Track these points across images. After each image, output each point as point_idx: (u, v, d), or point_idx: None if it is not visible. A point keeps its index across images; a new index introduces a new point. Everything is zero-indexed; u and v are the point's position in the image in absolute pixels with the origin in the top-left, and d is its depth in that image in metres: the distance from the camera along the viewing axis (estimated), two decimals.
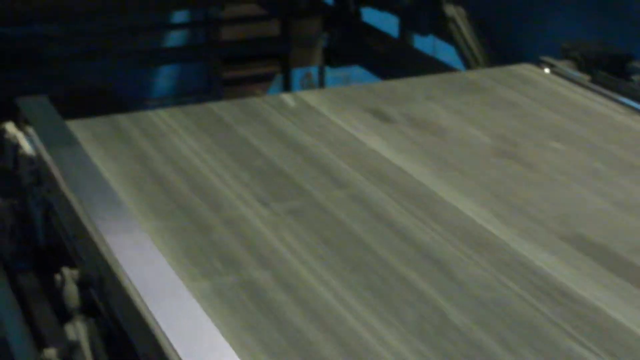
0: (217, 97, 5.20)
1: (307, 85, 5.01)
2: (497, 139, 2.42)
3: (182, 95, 5.26)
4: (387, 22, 4.10)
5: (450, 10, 3.50)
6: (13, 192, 2.58)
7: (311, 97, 2.68)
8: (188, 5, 4.45)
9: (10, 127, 2.46)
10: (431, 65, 3.68)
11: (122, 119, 2.55)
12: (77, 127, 2.46)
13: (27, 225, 2.43)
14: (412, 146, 2.37)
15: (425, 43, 4.16)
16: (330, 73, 4.83)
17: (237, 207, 2.07)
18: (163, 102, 5.15)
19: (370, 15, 4.14)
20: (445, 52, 3.88)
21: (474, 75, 2.93)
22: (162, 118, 2.56)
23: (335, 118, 2.53)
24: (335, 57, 4.32)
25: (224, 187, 2.16)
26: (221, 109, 2.62)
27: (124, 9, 3.77)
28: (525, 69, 2.90)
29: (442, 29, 3.60)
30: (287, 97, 2.70)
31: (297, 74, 4.88)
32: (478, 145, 2.38)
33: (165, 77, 5.19)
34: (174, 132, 2.46)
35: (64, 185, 2.13)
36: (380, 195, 2.12)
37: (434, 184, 2.17)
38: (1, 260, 2.48)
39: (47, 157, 2.27)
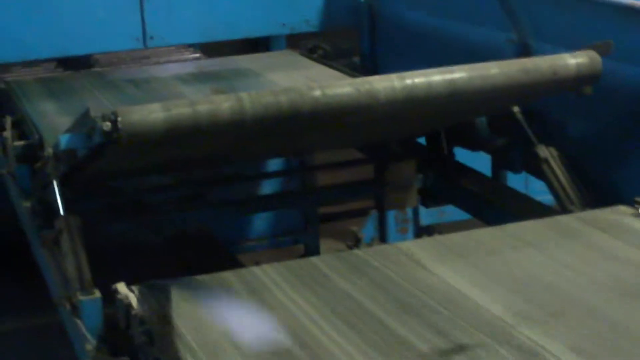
0: (314, 234, 5.29)
1: (402, 222, 5.07)
2: None
3: (278, 235, 5.36)
4: (479, 161, 4.17)
5: (543, 151, 3.56)
6: (124, 349, 2.68)
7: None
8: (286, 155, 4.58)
9: (122, 288, 2.56)
10: (524, 203, 3.73)
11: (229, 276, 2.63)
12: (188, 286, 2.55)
13: None
14: None
15: (517, 178, 4.21)
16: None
17: None
18: (260, 243, 5.25)
19: (464, 155, 4.21)
20: (537, 185, 3.91)
21: (567, 219, 2.96)
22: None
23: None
24: (429, 197, 4.38)
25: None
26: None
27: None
28: (618, 212, 2.94)
29: (535, 168, 3.66)
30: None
31: (392, 212, 4.94)
32: None
33: (261, 218, 5.31)
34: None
35: (177, 347, 2.22)
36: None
37: None
38: None
39: (156, 317, 2.36)
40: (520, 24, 4.03)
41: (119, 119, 2.62)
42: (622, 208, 2.96)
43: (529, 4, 3.97)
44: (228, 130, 2.76)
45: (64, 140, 2.89)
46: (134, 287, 2.55)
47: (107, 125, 2.63)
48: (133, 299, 2.48)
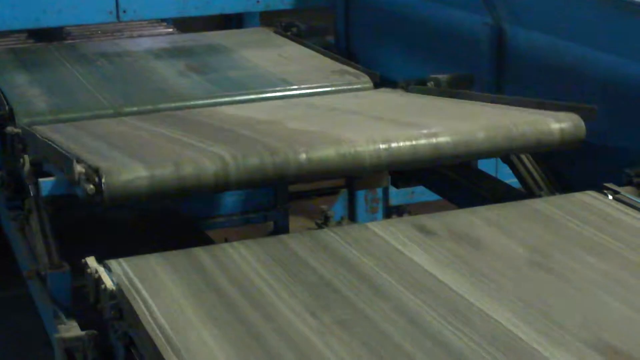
0: (283, 212, 5.29)
1: (372, 202, 5.09)
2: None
3: (248, 212, 5.35)
4: None
5: None
6: (94, 324, 2.68)
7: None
8: None
9: (91, 262, 2.56)
10: (494, 187, 3.75)
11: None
12: (158, 261, 2.55)
13: (109, 358, 2.51)
14: None
15: (488, 162, 4.23)
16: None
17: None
18: (229, 219, 5.24)
19: None
20: (507, 168, 3.93)
21: (538, 204, 2.99)
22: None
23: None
24: (400, 178, 4.40)
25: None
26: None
27: None
28: (588, 197, 2.96)
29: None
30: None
31: (362, 191, 4.96)
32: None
33: (231, 195, 5.30)
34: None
35: (146, 321, 2.22)
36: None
37: None
38: None
39: (129, 293, 2.36)
40: (495, 8, 4.04)
41: (103, 180, 2.62)
42: (592, 193, 2.98)
43: None
44: (211, 190, 2.78)
45: (46, 186, 2.86)
46: (103, 262, 2.54)
47: (90, 189, 2.61)
48: (102, 274, 2.48)
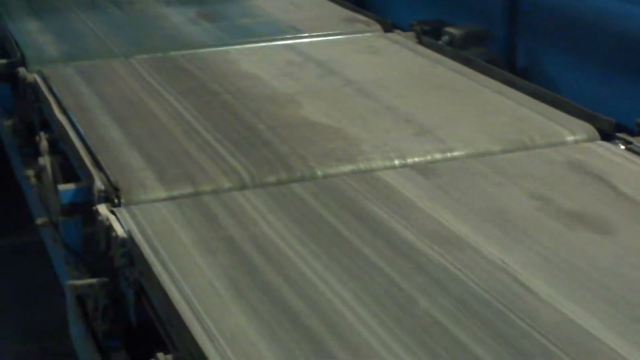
0: None
1: None
2: None
3: None
4: None
5: None
6: (105, 271, 2.70)
7: None
8: None
9: (102, 209, 2.56)
10: None
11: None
12: (168, 208, 2.56)
13: (120, 304, 2.52)
14: None
15: None
16: None
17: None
18: None
19: None
20: None
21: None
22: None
23: None
24: None
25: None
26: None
27: None
28: (600, 147, 2.96)
29: None
30: None
31: None
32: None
33: None
34: None
35: (156, 269, 2.23)
36: None
37: None
38: (94, 339, 2.58)
39: (139, 240, 2.36)
40: None
41: (122, 200, 2.61)
42: (604, 143, 2.98)
43: None
44: None
45: (66, 195, 2.86)
46: (114, 209, 2.55)
47: (108, 206, 2.60)
48: (114, 221, 2.49)
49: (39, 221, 3.06)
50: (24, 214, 4.24)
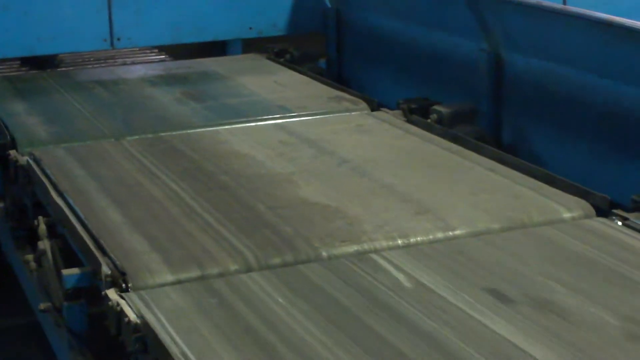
0: None
1: None
2: None
3: None
4: None
5: None
6: (112, 357, 2.69)
7: None
8: None
9: (112, 295, 2.56)
10: None
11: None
12: (177, 293, 2.56)
13: None
14: None
15: None
16: None
17: None
18: None
19: None
20: None
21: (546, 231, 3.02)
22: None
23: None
24: None
25: None
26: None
27: None
28: (598, 223, 3.00)
29: None
30: None
31: None
32: None
33: None
34: None
35: (176, 356, 2.23)
36: None
37: None
38: None
39: (155, 326, 2.36)
40: (492, 34, 4.08)
41: (130, 285, 2.61)
42: (601, 219, 3.02)
43: (501, 14, 4.02)
44: None
45: (70, 280, 2.87)
46: (124, 294, 2.55)
47: (117, 291, 2.62)
48: (125, 306, 2.48)
49: (41, 306, 3.03)
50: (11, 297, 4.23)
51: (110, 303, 2.53)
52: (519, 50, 3.98)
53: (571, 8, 3.71)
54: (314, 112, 4.18)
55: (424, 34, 4.60)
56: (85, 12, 4.89)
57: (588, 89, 3.70)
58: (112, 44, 4.94)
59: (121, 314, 2.48)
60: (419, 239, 2.91)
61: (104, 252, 2.78)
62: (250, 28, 5.25)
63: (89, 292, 2.82)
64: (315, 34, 5.42)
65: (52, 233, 3.14)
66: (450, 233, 2.95)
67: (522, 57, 3.97)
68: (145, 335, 2.39)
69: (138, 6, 4.98)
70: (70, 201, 3.15)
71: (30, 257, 3.19)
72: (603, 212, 3.10)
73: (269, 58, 5.17)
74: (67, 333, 2.86)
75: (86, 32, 4.91)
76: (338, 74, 5.29)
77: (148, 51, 5.57)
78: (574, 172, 3.56)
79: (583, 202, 3.13)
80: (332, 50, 5.33)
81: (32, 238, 3.54)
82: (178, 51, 5.69)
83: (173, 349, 2.27)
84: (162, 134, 3.92)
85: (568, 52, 3.76)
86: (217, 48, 5.68)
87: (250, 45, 5.52)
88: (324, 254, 2.82)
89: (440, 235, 2.94)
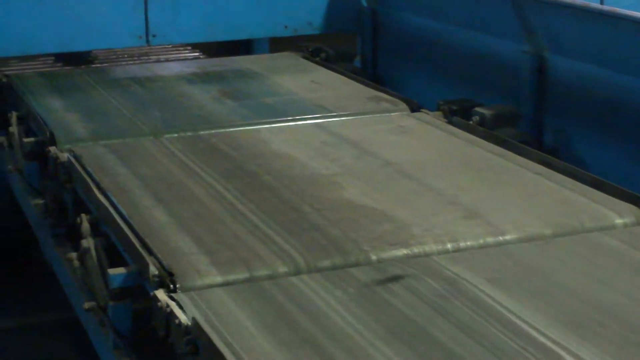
0: None
1: None
2: None
3: None
4: None
5: None
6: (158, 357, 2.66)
7: None
8: None
9: (161, 295, 2.53)
10: None
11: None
12: (229, 294, 2.53)
13: None
14: None
15: None
16: None
17: None
18: None
19: None
20: None
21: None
22: None
23: None
24: None
25: None
26: None
27: None
28: None
29: None
30: None
31: None
32: None
33: None
34: None
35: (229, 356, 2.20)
36: None
37: None
38: None
39: (206, 328, 2.33)
40: (535, 36, 4.04)
41: (178, 286, 2.58)
42: None
43: (546, 15, 3.97)
44: None
45: (116, 279, 2.81)
46: (174, 295, 2.52)
47: (165, 292, 2.57)
48: (175, 308, 2.45)
49: (86, 305, 3.00)
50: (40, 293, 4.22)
51: (159, 304, 2.50)
52: (563, 53, 3.94)
53: (617, 9, 3.65)
54: (353, 112, 4.14)
55: (463, 35, 4.56)
56: (121, 9, 4.87)
57: (632, 92, 3.65)
58: (147, 40, 4.92)
59: (171, 315, 2.45)
60: (468, 243, 2.87)
61: (150, 252, 2.75)
62: (286, 27, 5.21)
63: (136, 293, 2.78)
64: (350, 33, 5.39)
65: (95, 231, 3.11)
66: (501, 238, 2.91)
67: (565, 59, 3.93)
68: (197, 338, 2.36)
69: (174, 3, 4.95)
70: (114, 199, 3.12)
71: (73, 255, 3.15)
72: None
73: (304, 57, 5.13)
74: (112, 333, 2.83)
75: (122, 29, 4.89)
76: (373, 74, 5.25)
77: (182, 48, 5.55)
78: (617, 176, 3.51)
79: (635, 208, 3.08)
80: (367, 50, 5.30)
81: (71, 235, 3.52)
82: (202, 48, 5.68)
83: (226, 352, 2.24)
84: (201, 132, 3.89)
85: (613, 55, 3.72)
86: (243, 46, 5.67)
87: (277, 44, 5.50)
88: (373, 257, 2.78)
89: (490, 239, 2.89)
